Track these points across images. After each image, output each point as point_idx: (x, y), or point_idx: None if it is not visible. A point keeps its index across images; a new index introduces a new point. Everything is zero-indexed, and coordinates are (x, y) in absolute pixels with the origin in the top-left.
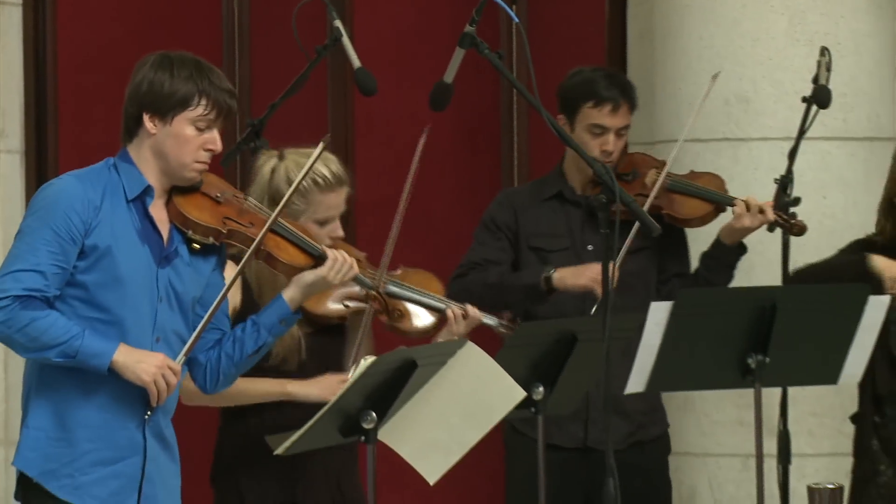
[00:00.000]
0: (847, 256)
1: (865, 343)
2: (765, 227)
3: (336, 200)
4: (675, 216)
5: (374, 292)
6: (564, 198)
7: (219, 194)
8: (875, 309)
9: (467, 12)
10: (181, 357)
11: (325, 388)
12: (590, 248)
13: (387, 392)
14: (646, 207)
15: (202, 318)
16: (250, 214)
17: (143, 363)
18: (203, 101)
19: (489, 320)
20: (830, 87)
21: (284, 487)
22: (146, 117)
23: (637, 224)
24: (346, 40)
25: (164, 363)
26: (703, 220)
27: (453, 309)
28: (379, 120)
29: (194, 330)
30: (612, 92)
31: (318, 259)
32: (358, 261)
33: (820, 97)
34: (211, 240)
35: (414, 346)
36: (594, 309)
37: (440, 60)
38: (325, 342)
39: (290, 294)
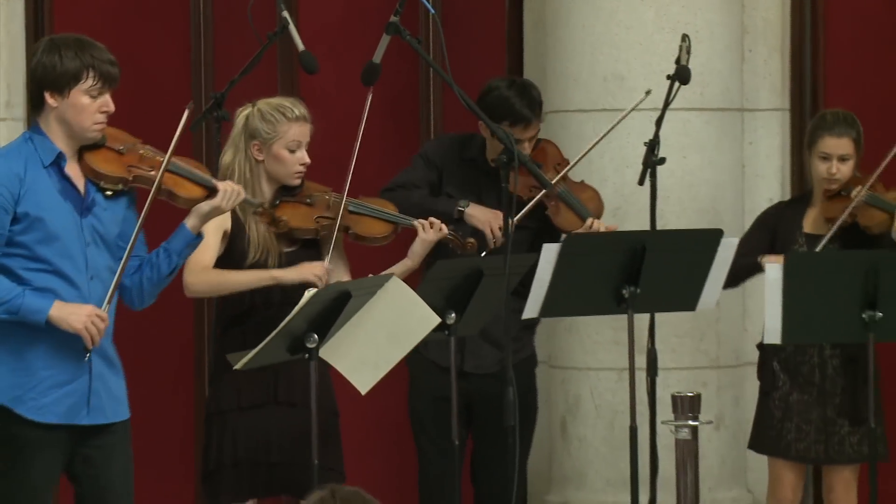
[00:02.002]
0: (748, 254)
1: (718, 277)
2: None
3: (301, 131)
4: (553, 219)
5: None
6: (477, 164)
7: (121, 147)
8: (726, 249)
9: (393, 4)
10: (105, 304)
11: (304, 271)
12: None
13: (326, 318)
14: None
15: (123, 249)
16: (149, 160)
17: (75, 314)
18: (91, 74)
19: (447, 230)
20: (690, 66)
21: (268, 385)
22: (47, 94)
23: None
24: (292, 28)
25: (92, 312)
26: (571, 228)
27: (421, 220)
28: (320, 94)
29: (120, 261)
30: (525, 112)
31: (212, 190)
32: (324, 192)
33: (681, 75)
34: (120, 186)
35: (348, 280)
36: (483, 254)
37: (370, 44)
38: (301, 256)
39: (191, 223)
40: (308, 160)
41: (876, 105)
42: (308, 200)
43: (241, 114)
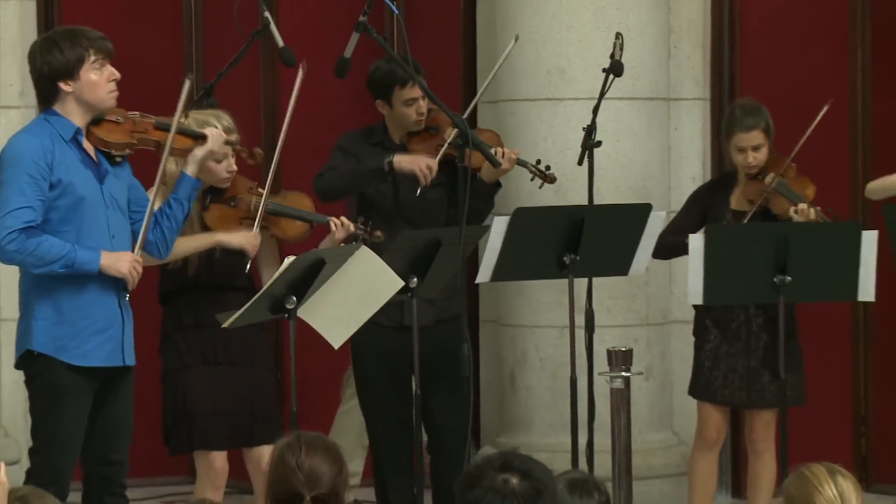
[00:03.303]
0: (681, 233)
1: (648, 246)
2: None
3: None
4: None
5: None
6: (384, 146)
7: (118, 118)
8: (654, 221)
9: (362, 5)
10: (138, 249)
11: (245, 238)
12: (403, 182)
13: (303, 282)
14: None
15: (137, 212)
16: (144, 123)
17: (121, 261)
18: (91, 52)
19: (354, 228)
20: (623, 61)
21: (207, 348)
22: (61, 84)
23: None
24: (273, 26)
25: (132, 258)
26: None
27: (333, 220)
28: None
29: (132, 222)
30: (406, 72)
31: (201, 138)
32: (249, 188)
33: (616, 69)
34: (127, 151)
35: (323, 249)
36: (418, 191)
37: (342, 41)
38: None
39: (190, 169)
40: (234, 168)
41: (786, 94)
42: (233, 203)
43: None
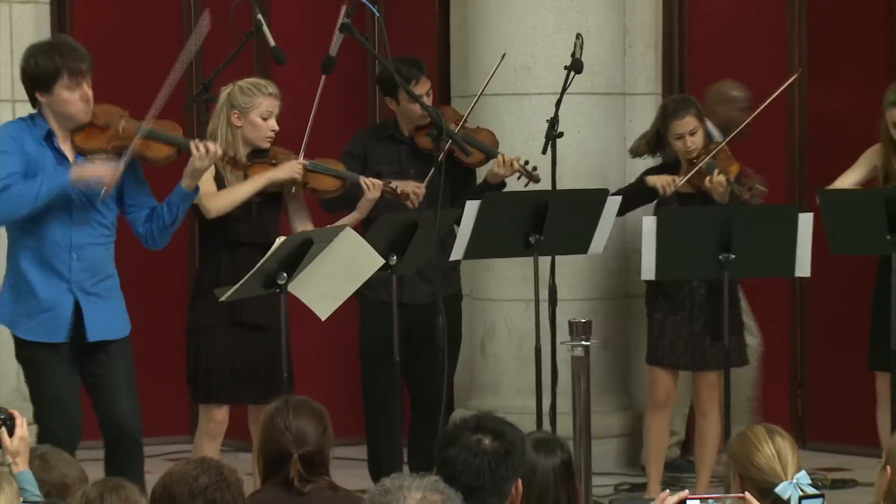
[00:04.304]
0: (639, 184)
1: (606, 226)
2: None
3: (272, 104)
4: (463, 161)
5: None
6: (395, 138)
7: (103, 123)
8: (611, 204)
9: (347, 7)
10: (121, 166)
11: (290, 168)
12: (412, 171)
13: (294, 260)
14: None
15: (131, 206)
16: (129, 129)
17: (92, 164)
18: (65, 73)
19: (386, 188)
20: (582, 59)
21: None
22: (37, 94)
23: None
24: (265, 28)
25: (110, 165)
26: (480, 164)
27: (365, 179)
28: (287, 80)
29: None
30: (413, 71)
31: (183, 149)
32: (287, 155)
33: (576, 66)
34: (103, 156)
35: (311, 230)
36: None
37: (327, 41)
38: (268, 206)
39: (183, 182)
40: (276, 128)
41: None
42: (273, 161)
43: (224, 91)
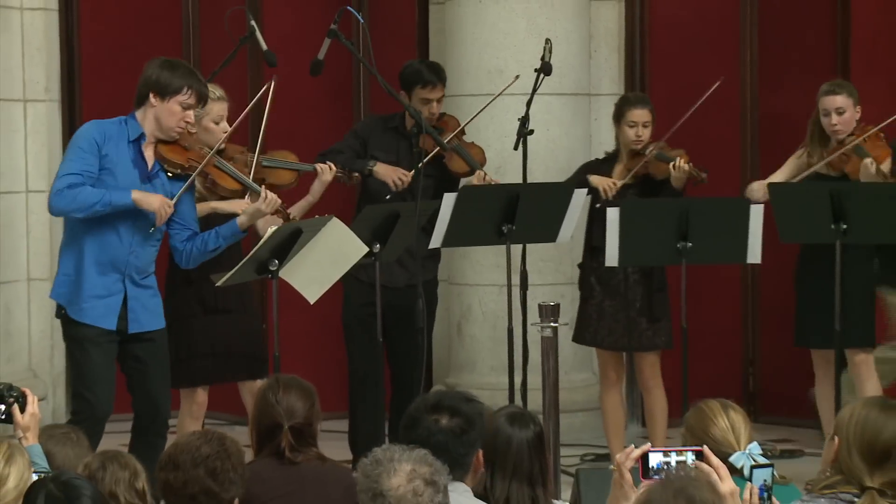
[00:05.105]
0: (579, 176)
1: (573, 216)
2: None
3: (221, 107)
4: (448, 165)
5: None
6: (398, 131)
7: (187, 145)
8: (577, 197)
9: (334, 15)
10: (175, 199)
11: (234, 205)
12: (406, 165)
13: (284, 247)
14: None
15: (177, 224)
16: (209, 158)
17: (152, 197)
18: (190, 91)
19: (339, 172)
20: (551, 62)
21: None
22: (152, 95)
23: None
24: (258, 33)
25: (165, 200)
26: (464, 174)
27: (319, 164)
28: (278, 82)
29: (169, 229)
30: (431, 77)
31: (251, 190)
32: (242, 152)
33: (545, 69)
34: (178, 171)
35: (301, 220)
36: (387, 197)
37: (316, 45)
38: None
39: (240, 220)
40: (228, 129)
41: (687, 89)
42: (231, 161)
43: None
